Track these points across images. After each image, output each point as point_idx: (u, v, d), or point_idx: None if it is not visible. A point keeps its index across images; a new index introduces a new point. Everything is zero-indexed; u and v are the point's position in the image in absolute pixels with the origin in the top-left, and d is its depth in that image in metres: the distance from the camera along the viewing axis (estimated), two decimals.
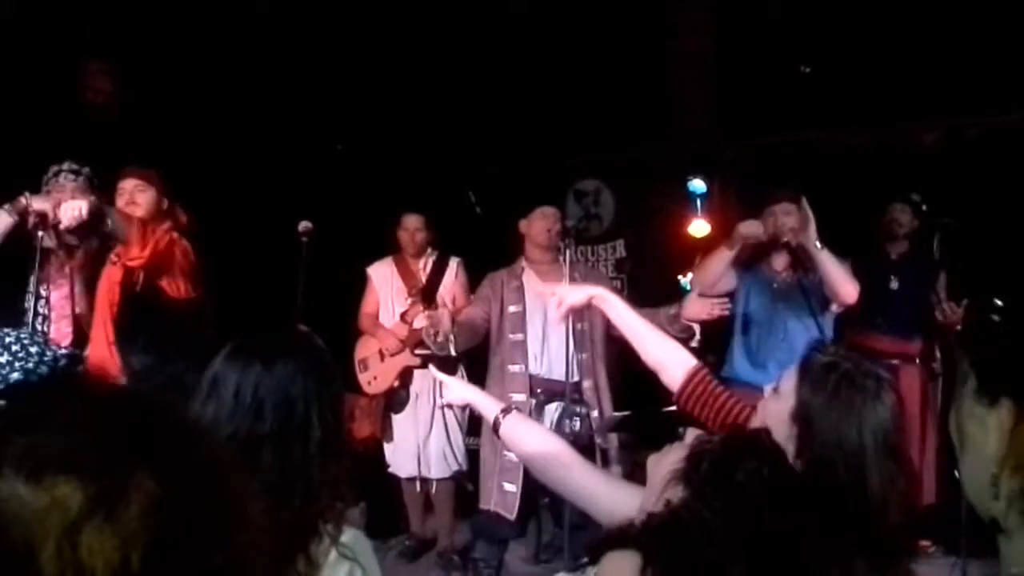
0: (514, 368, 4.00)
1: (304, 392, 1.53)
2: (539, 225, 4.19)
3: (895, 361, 4.61)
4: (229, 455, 0.77)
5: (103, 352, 3.60)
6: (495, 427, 2.05)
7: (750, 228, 4.02)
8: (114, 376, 3.57)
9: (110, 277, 3.64)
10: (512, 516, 3.93)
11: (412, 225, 4.83)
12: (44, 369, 1.55)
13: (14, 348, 1.57)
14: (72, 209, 3.26)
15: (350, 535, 1.52)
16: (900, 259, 4.77)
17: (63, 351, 1.66)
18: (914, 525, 1.58)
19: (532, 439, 2.02)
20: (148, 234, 3.49)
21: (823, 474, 1.60)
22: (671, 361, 2.22)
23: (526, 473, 3.90)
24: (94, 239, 3.66)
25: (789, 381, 1.77)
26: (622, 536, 1.35)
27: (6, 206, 3.36)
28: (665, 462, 1.52)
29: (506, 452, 3.95)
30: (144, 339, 3.56)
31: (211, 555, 0.70)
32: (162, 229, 3.60)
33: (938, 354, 4.77)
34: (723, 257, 4.04)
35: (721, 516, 1.28)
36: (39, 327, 3.62)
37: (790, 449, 1.67)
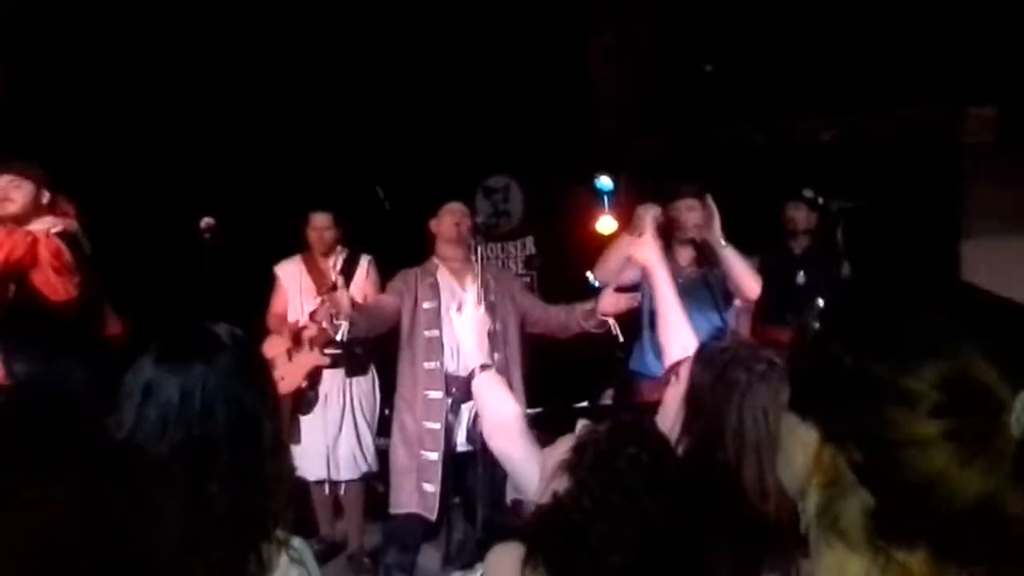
0: (429, 365, 3.96)
1: (249, 387, 1.51)
2: (447, 220, 4.18)
3: None
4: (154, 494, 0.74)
5: None
6: (469, 377, 2.19)
7: (648, 211, 4.06)
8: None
9: None
10: (433, 517, 3.90)
11: (320, 223, 4.75)
12: None
13: None
14: None
15: (297, 540, 1.52)
16: (804, 253, 4.91)
17: None
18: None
19: (491, 396, 2.14)
20: (7, 236, 3.35)
21: (704, 456, 1.60)
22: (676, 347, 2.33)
23: (443, 472, 3.89)
24: None
25: (686, 366, 1.81)
26: (511, 531, 1.36)
27: None
28: (555, 453, 1.53)
29: (423, 452, 3.93)
30: (25, 344, 3.41)
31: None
32: (20, 232, 3.44)
33: None
34: (623, 244, 4.10)
35: (601, 504, 1.30)
36: None
37: (677, 431, 1.70)
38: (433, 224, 4.24)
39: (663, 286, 2.51)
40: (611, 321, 3.85)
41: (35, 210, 3.52)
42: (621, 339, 3.97)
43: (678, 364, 2.27)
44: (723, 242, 3.93)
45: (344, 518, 4.84)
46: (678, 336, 2.41)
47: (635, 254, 2.93)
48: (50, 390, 3.11)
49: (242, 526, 1.39)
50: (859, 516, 0.78)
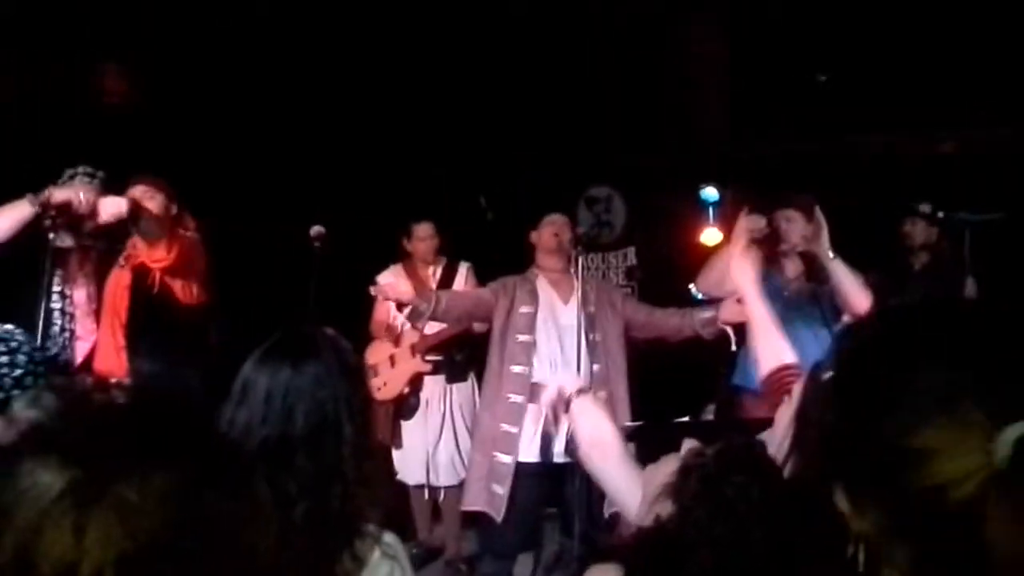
0: (517, 369, 3.94)
1: (334, 394, 1.55)
2: (547, 231, 4.17)
3: None
4: (256, 499, 0.75)
5: (111, 358, 3.61)
6: (567, 402, 2.11)
7: (752, 222, 3.98)
8: (120, 380, 3.58)
9: (118, 282, 3.66)
10: (499, 518, 3.87)
11: (423, 233, 4.82)
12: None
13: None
14: (114, 205, 3.35)
15: (389, 536, 1.57)
16: (923, 270, 4.71)
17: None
18: None
19: (589, 417, 2.07)
20: (174, 236, 3.51)
21: (814, 478, 1.55)
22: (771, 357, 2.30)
23: (517, 479, 3.89)
24: (103, 240, 3.67)
25: (798, 385, 1.74)
26: (611, 550, 1.33)
27: (28, 196, 3.35)
28: (658, 474, 1.49)
29: (496, 453, 3.92)
30: (153, 343, 3.57)
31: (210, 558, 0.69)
32: (183, 233, 3.63)
33: None
34: (727, 255, 4.02)
35: (705, 533, 1.26)
36: (66, 325, 3.67)
37: (785, 448, 1.64)
38: (533, 235, 4.24)
39: (752, 304, 2.46)
40: (729, 330, 3.78)
41: (166, 221, 3.69)
42: (735, 347, 3.90)
43: (775, 376, 2.23)
44: (831, 254, 3.81)
45: (442, 523, 4.88)
46: (770, 346, 2.34)
47: (730, 272, 2.90)
48: (169, 390, 3.26)
49: (324, 525, 1.42)
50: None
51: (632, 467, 1.88)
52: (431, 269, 4.84)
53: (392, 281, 4.82)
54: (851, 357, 0.88)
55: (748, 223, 3.98)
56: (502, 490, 3.87)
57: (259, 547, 0.74)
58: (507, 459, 3.90)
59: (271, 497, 1.28)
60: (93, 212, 3.37)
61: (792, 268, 4.15)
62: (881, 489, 0.77)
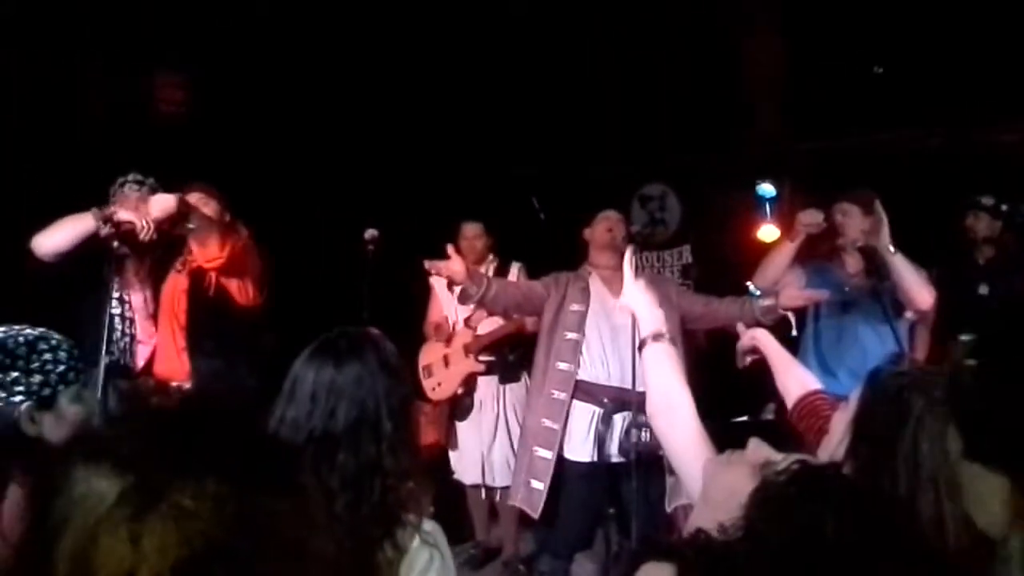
0: (562, 366, 3.90)
1: (374, 391, 1.63)
2: (601, 227, 4.14)
3: None
4: (304, 494, 0.75)
5: (172, 359, 3.69)
6: (640, 346, 2.01)
7: (809, 216, 3.91)
8: (181, 381, 3.65)
9: (175, 285, 3.74)
10: (536, 514, 3.83)
11: (471, 233, 4.82)
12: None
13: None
14: (163, 201, 3.43)
15: (430, 524, 1.64)
16: (988, 264, 4.57)
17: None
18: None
19: (661, 374, 1.97)
20: (226, 236, 3.57)
21: (870, 484, 1.50)
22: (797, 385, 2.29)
23: (570, 478, 3.84)
24: (159, 247, 3.74)
25: (856, 390, 1.70)
26: (665, 548, 1.30)
27: (93, 209, 3.45)
28: (724, 476, 1.45)
29: (536, 447, 3.88)
30: (212, 344, 3.63)
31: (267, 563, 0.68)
32: (237, 234, 3.68)
33: None
34: (785, 250, 3.96)
35: (774, 559, 1.22)
36: (127, 329, 3.76)
37: (840, 454, 1.59)
38: (587, 232, 4.21)
39: (766, 341, 2.48)
40: (790, 315, 3.72)
41: (220, 227, 3.75)
42: (795, 333, 3.84)
43: (805, 402, 2.18)
44: (892, 249, 3.72)
45: (500, 523, 4.88)
46: (793, 376, 2.32)
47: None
48: (218, 393, 3.32)
49: (364, 516, 1.50)
50: None
51: (699, 435, 1.82)
52: (483, 269, 4.84)
53: (445, 284, 4.84)
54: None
55: (805, 218, 3.92)
56: (540, 486, 3.82)
57: (310, 544, 0.74)
58: (547, 454, 3.84)
59: (319, 494, 1.36)
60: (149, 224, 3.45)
61: (853, 264, 4.07)
62: None
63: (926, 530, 1.41)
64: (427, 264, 3.86)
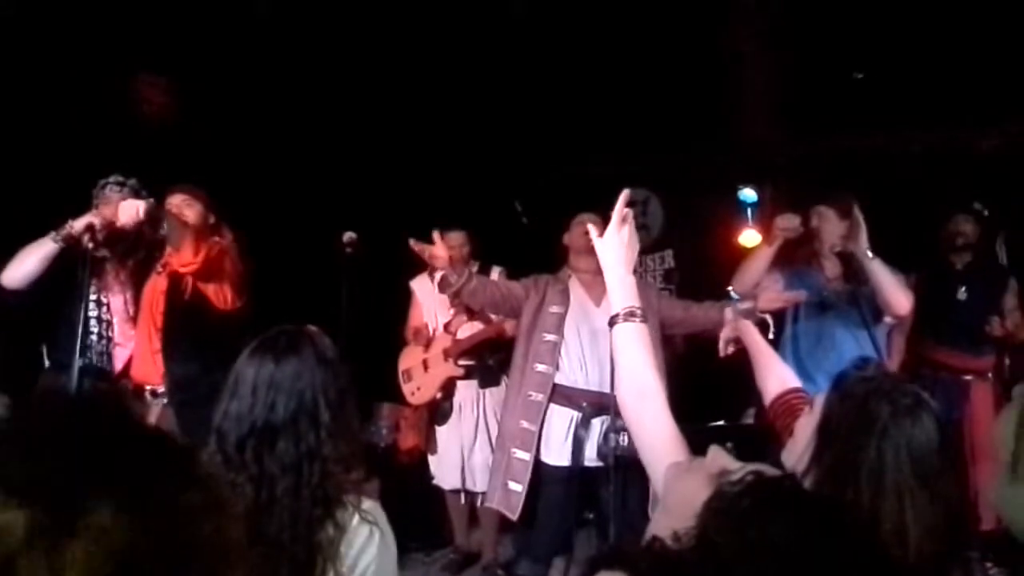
0: (540, 367, 3.91)
1: (312, 384, 1.74)
2: (578, 231, 4.14)
3: (967, 376, 4.47)
4: (210, 482, 0.74)
5: (147, 362, 3.66)
6: (611, 322, 1.85)
7: (786, 221, 3.92)
8: (155, 385, 3.62)
9: (155, 287, 3.71)
10: (515, 516, 3.84)
11: (455, 242, 4.80)
12: None
13: None
14: (130, 208, 3.40)
15: (369, 503, 1.76)
16: (966, 269, 4.59)
17: None
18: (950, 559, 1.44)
19: (633, 356, 1.80)
20: (201, 241, 3.54)
21: (836, 488, 1.49)
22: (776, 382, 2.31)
23: (547, 481, 3.84)
24: (141, 250, 3.72)
25: (822, 395, 1.68)
26: (619, 555, 1.29)
27: (51, 233, 3.46)
28: (682, 483, 1.43)
29: (514, 449, 3.88)
30: (188, 348, 3.62)
31: None
32: (214, 239, 3.66)
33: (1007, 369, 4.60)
34: (762, 254, 3.96)
35: (722, 571, 1.21)
36: (104, 332, 3.73)
37: (805, 460, 1.58)
38: (566, 237, 4.21)
39: (750, 334, 2.50)
40: (768, 318, 3.73)
41: (203, 229, 3.73)
42: (772, 336, 3.84)
43: (782, 400, 2.18)
44: (869, 254, 3.73)
45: (480, 528, 4.86)
46: (773, 372, 2.31)
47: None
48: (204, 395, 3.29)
49: (304, 498, 1.63)
50: None
51: (670, 431, 1.70)
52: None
53: (429, 286, 4.83)
54: None
55: (782, 222, 3.92)
56: (519, 488, 3.83)
57: (228, 533, 0.74)
58: (525, 456, 3.85)
59: (250, 475, 1.57)
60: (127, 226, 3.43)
61: (831, 268, 4.08)
62: None
63: (887, 540, 1.41)
64: (412, 243, 3.91)
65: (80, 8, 4.78)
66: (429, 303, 4.86)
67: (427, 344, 4.77)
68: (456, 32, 5.58)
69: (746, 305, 3.81)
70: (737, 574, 1.16)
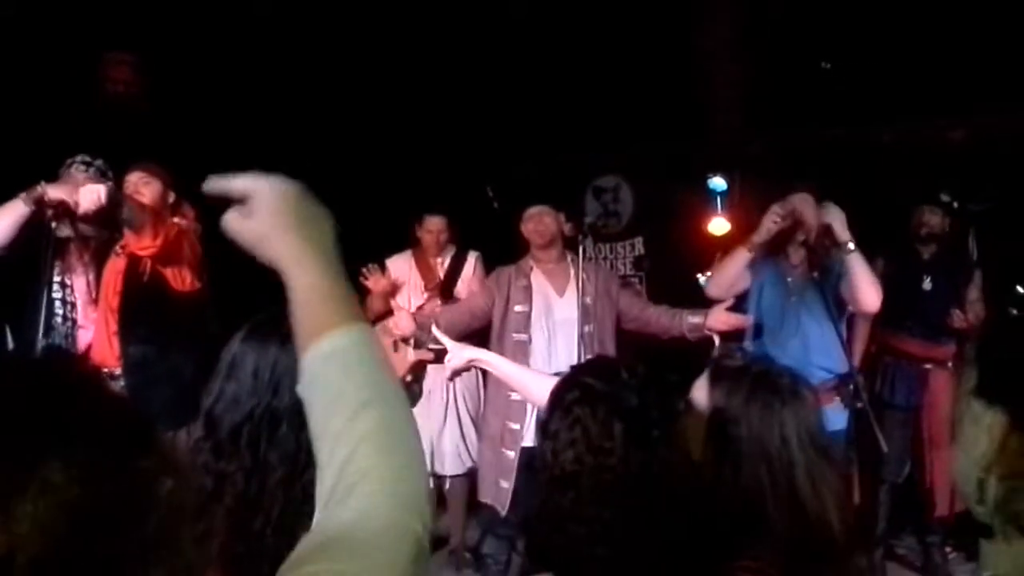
0: None
1: None
2: (528, 227, 4.16)
3: (927, 365, 4.53)
4: (166, 449, 0.74)
5: (103, 342, 3.63)
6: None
7: (775, 217, 3.88)
8: (112, 366, 3.58)
9: (114, 268, 3.68)
10: (504, 511, 3.99)
11: (435, 227, 4.80)
12: None
13: None
14: (91, 193, 3.34)
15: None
16: (932, 259, 4.64)
17: None
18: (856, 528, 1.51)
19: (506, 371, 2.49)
20: (160, 224, 3.50)
21: (750, 483, 1.49)
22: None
23: (521, 471, 3.93)
24: (105, 230, 3.67)
25: (700, 391, 1.64)
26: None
27: (22, 195, 3.40)
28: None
29: (503, 449, 4.01)
30: (145, 330, 3.59)
31: (115, 554, 0.67)
32: (172, 221, 3.62)
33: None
34: (741, 258, 3.96)
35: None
36: (68, 314, 3.71)
37: (709, 460, 1.57)
38: (523, 228, 4.21)
39: (498, 369, 2.64)
40: (715, 336, 3.78)
41: (162, 208, 3.70)
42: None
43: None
44: (851, 246, 3.73)
45: (446, 512, 4.87)
46: (540, 385, 2.29)
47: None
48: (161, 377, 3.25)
49: (296, 490, 1.50)
50: None
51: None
52: (440, 259, 4.82)
53: (404, 267, 4.82)
54: None
55: (773, 217, 3.86)
56: (507, 484, 3.98)
57: (182, 497, 0.74)
58: (511, 454, 3.99)
59: (244, 461, 1.48)
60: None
61: (795, 255, 4.09)
62: None
63: (814, 527, 1.43)
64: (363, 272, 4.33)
65: None
66: (403, 284, 4.85)
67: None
68: (433, 25, 5.57)
69: (696, 319, 3.87)
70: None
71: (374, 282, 4.69)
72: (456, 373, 2.67)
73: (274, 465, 1.52)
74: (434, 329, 3.56)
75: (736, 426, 1.54)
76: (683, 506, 1.34)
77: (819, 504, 1.45)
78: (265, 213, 0.99)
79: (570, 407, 1.51)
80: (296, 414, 1.51)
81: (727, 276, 3.98)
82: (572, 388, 1.53)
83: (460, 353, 2.58)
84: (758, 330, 4.02)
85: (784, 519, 1.41)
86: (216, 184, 1.03)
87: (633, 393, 1.49)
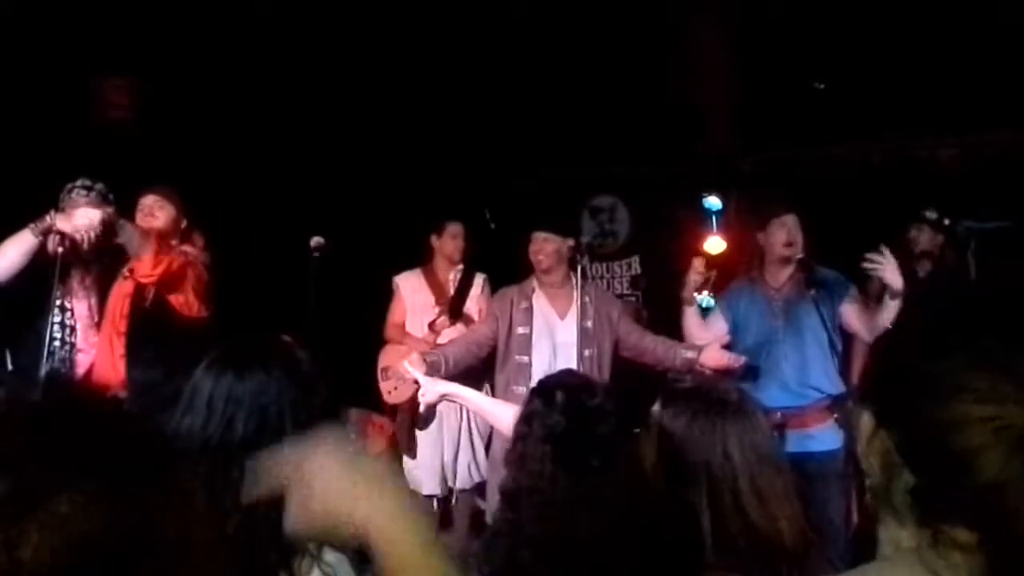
0: (518, 390, 3.95)
1: (278, 400, 1.51)
2: (531, 250, 4.16)
3: None
4: (183, 485, 0.76)
5: (108, 365, 3.65)
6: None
7: (698, 268, 4.00)
8: (116, 389, 3.60)
9: (121, 291, 3.70)
10: None
11: (455, 231, 4.83)
12: None
13: None
14: (84, 216, 3.39)
15: (332, 555, 1.44)
16: (927, 277, 4.67)
17: None
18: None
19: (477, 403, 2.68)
20: (162, 253, 3.54)
21: (696, 499, 1.52)
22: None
23: None
24: (106, 256, 3.70)
25: (657, 410, 1.67)
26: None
27: (31, 225, 3.45)
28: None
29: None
30: (150, 353, 3.61)
31: None
32: (178, 251, 3.65)
33: None
34: (688, 314, 4.07)
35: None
36: (67, 338, 3.72)
37: (658, 481, 1.60)
38: (529, 250, 4.22)
39: (463, 398, 2.85)
40: (708, 372, 3.80)
41: (174, 232, 3.73)
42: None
43: None
44: (897, 290, 3.78)
45: (451, 532, 4.86)
46: (507, 417, 2.31)
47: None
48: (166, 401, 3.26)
49: (259, 539, 1.34)
50: (905, 494, 0.89)
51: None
52: (451, 273, 4.79)
53: (414, 284, 4.83)
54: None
55: (695, 272, 3.98)
56: None
57: (193, 537, 0.74)
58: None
59: (202, 490, 1.25)
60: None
61: (777, 275, 4.09)
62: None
63: (760, 528, 1.47)
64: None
65: (48, 9, 4.74)
66: (413, 301, 4.85)
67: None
68: (428, 41, 5.60)
69: (689, 355, 3.90)
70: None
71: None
72: (429, 408, 2.68)
73: (229, 509, 1.36)
74: (406, 364, 3.60)
75: (680, 445, 1.56)
76: (628, 529, 1.34)
77: (767, 514, 1.48)
78: None
79: (519, 424, 1.56)
80: (253, 450, 1.35)
81: (688, 331, 4.09)
82: (527, 403, 1.62)
83: (433, 388, 2.63)
84: (748, 371, 4.00)
85: (733, 532, 1.45)
86: None
87: (563, 417, 1.50)
